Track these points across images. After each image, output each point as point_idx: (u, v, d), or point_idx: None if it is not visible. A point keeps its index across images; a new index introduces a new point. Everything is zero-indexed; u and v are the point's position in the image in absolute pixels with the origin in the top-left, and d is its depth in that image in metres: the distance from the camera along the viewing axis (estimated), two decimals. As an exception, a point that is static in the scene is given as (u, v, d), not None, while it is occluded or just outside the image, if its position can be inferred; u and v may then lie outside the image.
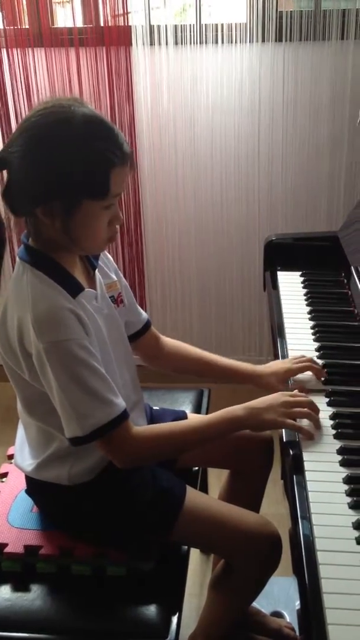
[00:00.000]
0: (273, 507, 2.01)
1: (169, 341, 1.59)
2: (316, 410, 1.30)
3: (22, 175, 1.19)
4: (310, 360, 1.47)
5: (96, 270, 1.37)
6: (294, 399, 1.32)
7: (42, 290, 1.22)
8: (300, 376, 1.46)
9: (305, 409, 1.29)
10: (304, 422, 1.29)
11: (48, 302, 1.21)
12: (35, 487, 1.42)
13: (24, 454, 1.42)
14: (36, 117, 1.19)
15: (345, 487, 1.13)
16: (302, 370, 1.45)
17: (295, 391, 1.37)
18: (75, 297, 1.25)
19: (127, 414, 1.26)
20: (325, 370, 1.46)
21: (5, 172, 1.22)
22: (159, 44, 2.38)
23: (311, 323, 1.67)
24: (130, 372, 1.45)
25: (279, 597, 1.80)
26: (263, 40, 2.36)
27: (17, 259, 1.28)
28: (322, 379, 1.44)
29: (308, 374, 1.45)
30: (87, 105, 1.22)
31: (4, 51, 2.42)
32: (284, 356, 1.55)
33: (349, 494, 1.11)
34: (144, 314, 1.55)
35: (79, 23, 2.40)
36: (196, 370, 1.59)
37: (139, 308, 1.53)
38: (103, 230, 1.25)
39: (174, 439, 1.33)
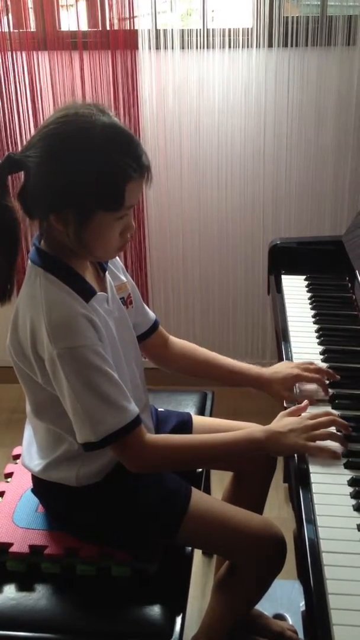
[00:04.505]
0: (275, 511, 2.02)
1: (177, 342, 1.59)
2: (343, 425, 1.26)
3: (37, 181, 1.18)
4: (320, 370, 1.44)
5: (106, 273, 1.37)
6: (315, 421, 1.27)
7: (56, 295, 1.22)
8: (307, 386, 1.43)
9: (327, 430, 1.24)
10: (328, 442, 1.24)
11: (62, 307, 1.21)
12: (42, 487, 1.42)
13: (31, 454, 1.42)
14: (56, 125, 1.17)
15: (350, 489, 1.14)
16: (311, 380, 1.43)
17: (317, 412, 1.31)
18: (88, 301, 1.25)
19: (140, 420, 1.25)
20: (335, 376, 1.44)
21: (22, 174, 1.22)
22: (165, 48, 2.39)
23: (315, 327, 1.67)
24: (140, 374, 1.45)
25: (281, 600, 1.81)
26: (269, 45, 2.37)
27: (29, 262, 1.28)
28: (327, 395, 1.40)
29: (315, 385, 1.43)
30: (108, 112, 1.20)
31: (9, 54, 2.43)
32: (289, 360, 1.56)
33: (353, 496, 1.12)
34: (152, 314, 1.55)
35: (85, 27, 2.41)
36: (204, 371, 1.58)
37: (147, 308, 1.53)
38: (115, 240, 1.24)
39: (187, 453, 1.32)
